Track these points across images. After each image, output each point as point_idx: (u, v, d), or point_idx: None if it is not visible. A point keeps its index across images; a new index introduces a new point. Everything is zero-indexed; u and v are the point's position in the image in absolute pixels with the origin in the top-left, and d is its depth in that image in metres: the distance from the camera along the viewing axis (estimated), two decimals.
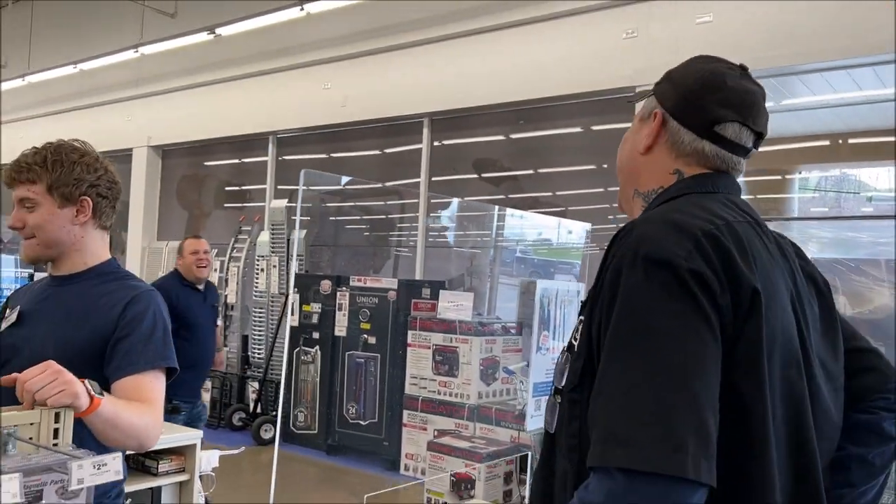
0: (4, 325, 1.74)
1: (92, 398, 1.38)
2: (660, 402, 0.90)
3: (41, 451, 1.27)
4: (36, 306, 1.74)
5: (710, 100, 1.15)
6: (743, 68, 1.21)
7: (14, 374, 1.33)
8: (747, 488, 0.96)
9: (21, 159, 1.71)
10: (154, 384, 1.65)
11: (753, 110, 1.16)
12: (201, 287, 4.37)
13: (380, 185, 7.84)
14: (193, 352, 4.02)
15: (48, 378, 1.31)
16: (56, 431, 1.31)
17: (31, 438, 1.25)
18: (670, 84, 1.20)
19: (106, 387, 1.56)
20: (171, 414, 3.80)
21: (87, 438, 1.44)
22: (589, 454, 0.93)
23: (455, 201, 7.32)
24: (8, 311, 1.79)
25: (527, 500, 2.72)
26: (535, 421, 1.96)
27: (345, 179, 7.77)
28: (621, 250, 1.01)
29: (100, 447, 1.42)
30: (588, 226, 5.75)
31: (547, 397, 1.96)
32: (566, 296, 1.97)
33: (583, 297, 2.06)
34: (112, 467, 1.10)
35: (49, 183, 1.69)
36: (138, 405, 1.58)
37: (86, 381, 1.39)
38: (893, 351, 4.42)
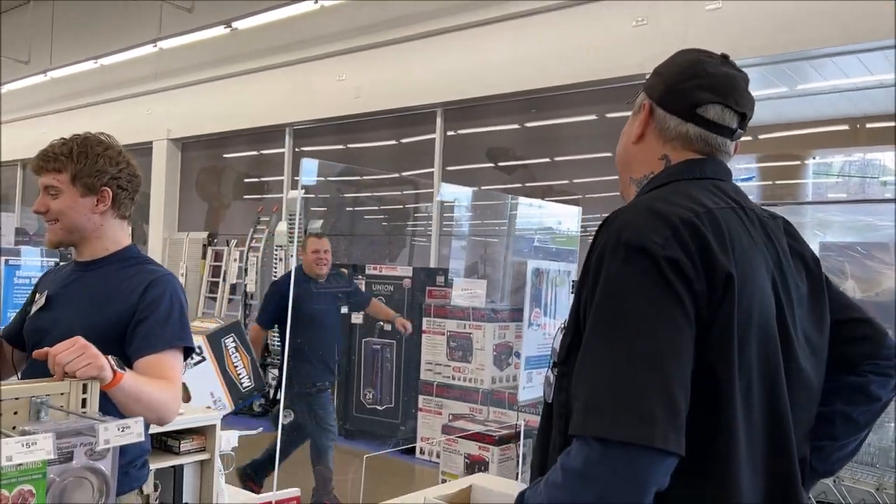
0: (34, 308, 1.86)
1: (115, 372, 1.49)
2: (634, 380, 0.98)
3: (71, 417, 1.39)
4: (62, 290, 1.86)
5: (691, 85, 1.22)
6: (724, 57, 1.28)
7: (46, 349, 1.46)
8: (716, 461, 1.05)
9: (49, 149, 1.82)
10: (172, 363, 1.76)
11: (734, 92, 1.22)
12: (322, 281, 4.68)
13: (395, 175, 7.94)
14: (318, 339, 4.53)
15: (77, 352, 1.43)
16: (84, 401, 1.43)
17: (61, 406, 1.37)
18: (658, 77, 1.28)
19: (128, 366, 1.66)
20: (319, 393, 4.57)
21: (112, 413, 1.55)
22: (570, 423, 1.02)
23: (454, 188, 7.39)
24: (37, 295, 1.91)
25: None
26: (527, 392, 2.06)
27: (339, 167, 7.88)
28: (605, 236, 1.08)
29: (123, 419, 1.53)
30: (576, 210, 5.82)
31: (540, 370, 2.05)
32: (557, 275, 2.06)
33: (573, 277, 2.14)
34: (134, 430, 1.21)
35: (73, 173, 1.80)
36: (158, 381, 1.69)
37: (110, 357, 1.50)
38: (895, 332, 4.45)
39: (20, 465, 1.11)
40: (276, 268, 7.95)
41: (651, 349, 0.99)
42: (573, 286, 2.24)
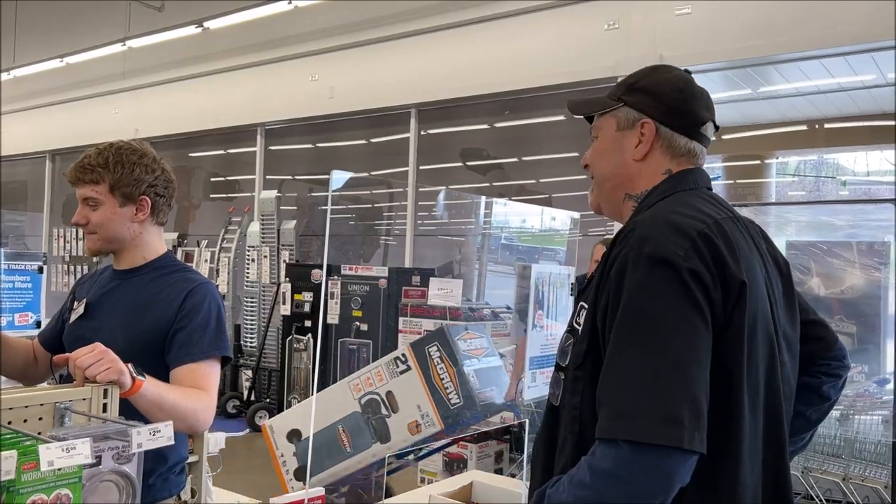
0: (73, 316, 1.86)
1: (134, 379, 1.51)
2: (660, 385, 1.05)
3: (93, 422, 1.42)
4: (101, 298, 1.86)
5: (696, 105, 1.33)
6: (687, 72, 1.39)
7: (66, 354, 1.48)
8: (725, 458, 1.14)
9: (85, 160, 1.83)
10: (208, 371, 1.76)
11: (713, 107, 1.36)
12: None
13: (367, 175, 7.97)
14: None
15: (96, 356, 1.45)
16: (105, 406, 1.46)
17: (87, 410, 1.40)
18: (648, 96, 1.32)
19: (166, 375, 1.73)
20: None
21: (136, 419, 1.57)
22: (598, 427, 1.09)
23: (442, 190, 7.45)
24: (75, 303, 1.91)
25: (526, 465, 2.89)
26: (532, 391, 2.13)
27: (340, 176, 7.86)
28: (625, 249, 1.15)
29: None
30: (576, 214, 5.92)
31: (542, 370, 2.13)
32: (557, 278, 2.15)
33: (572, 279, 2.22)
34: (165, 434, 1.25)
35: (111, 183, 1.81)
36: (186, 390, 1.70)
37: (129, 365, 1.51)
38: (860, 328, 4.64)
39: (59, 469, 1.15)
40: (248, 268, 7.93)
41: (676, 356, 1.06)
42: (573, 288, 2.32)
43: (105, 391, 1.45)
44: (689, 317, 1.08)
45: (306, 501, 1.53)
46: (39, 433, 1.31)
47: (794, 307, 1.35)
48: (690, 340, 1.07)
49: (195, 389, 1.71)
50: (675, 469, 1.04)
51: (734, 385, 1.13)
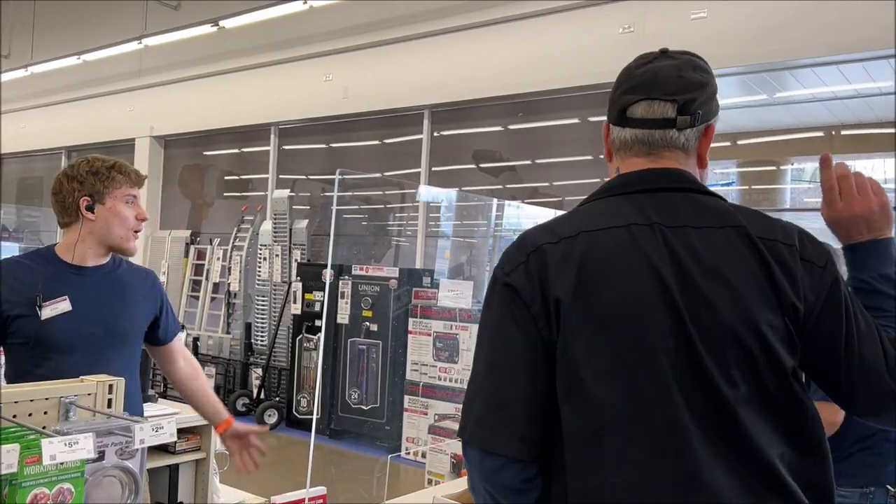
0: (52, 312, 1.96)
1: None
2: (479, 390, 1.14)
3: (97, 417, 1.42)
4: (90, 292, 2.07)
5: (620, 91, 1.24)
6: (663, 51, 1.25)
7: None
8: (560, 466, 1.11)
9: (134, 167, 2.19)
10: None
11: (660, 83, 1.19)
12: None
13: (380, 176, 7.98)
14: None
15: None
16: (109, 402, 1.47)
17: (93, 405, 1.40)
18: None
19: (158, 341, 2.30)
20: None
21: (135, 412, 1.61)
22: None
23: (438, 190, 7.45)
24: (39, 299, 1.97)
25: None
26: None
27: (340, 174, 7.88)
28: None
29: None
30: None
31: None
32: None
33: None
34: (168, 430, 1.25)
35: None
36: (202, 376, 2.50)
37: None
38: None
39: (61, 464, 1.15)
40: (260, 267, 7.95)
41: (492, 364, 1.13)
42: None
43: (110, 386, 1.45)
44: (504, 329, 1.13)
45: (307, 500, 1.53)
46: (44, 427, 1.32)
47: (765, 298, 1.13)
48: (505, 351, 1.13)
49: (196, 366, 2.46)
50: (485, 468, 1.11)
51: (575, 398, 1.11)
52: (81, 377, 1.51)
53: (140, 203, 2.16)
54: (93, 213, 2.06)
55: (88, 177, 2.06)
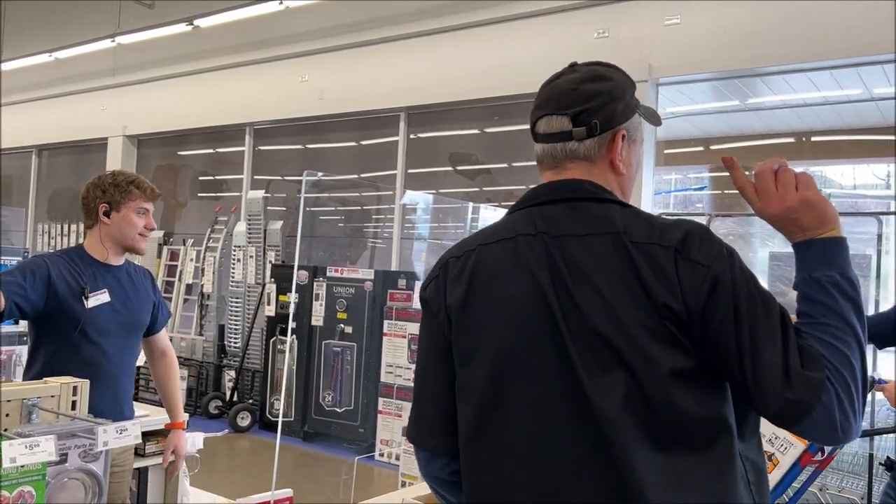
0: (96, 301, 2.39)
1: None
2: (413, 393, 1.32)
3: (61, 419, 1.41)
4: (117, 286, 2.49)
5: (532, 110, 1.29)
6: (571, 65, 1.30)
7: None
8: (464, 458, 1.24)
9: (151, 184, 2.57)
10: None
11: (557, 98, 1.24)
12: None
13: (356, 177, 7.96)
14: None
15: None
16: (73, 403, 1.45)
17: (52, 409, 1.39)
18: None
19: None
20: None
21: (106, 415, 1.62)
22: None
23: (419, 193, 7.45)
24: (86, 290, 2.41)
25: None
26: None
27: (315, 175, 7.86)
28: None
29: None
30: None
31: None
32: None
33: None
34: (132, 432, 1.24)
35: None
36: (175, 378, 2.81)
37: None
38: None
39: (22, 466, 1.13)
40: (233, 268, 7.89)
41: (416, 368, 1.32)
42: None
43: (74, 388, 1.44)
44: (422, 338, 1.32)
45: (272, 502, 1.52)
46: (6, 430, 1.30)
47: (636, 328, 1.12)
48: (423, 357, 1.31)
49: (175, 370, 2.80)
50: (423, 462, 1.30)
51: (461, 396, 1.24)
52: (55, 380, 1.49)
53: (150, 216, 2.55)
54: (109, 218, 2.48)
55: (110, 187, 2.48)
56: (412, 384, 1.37)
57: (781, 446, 2.15)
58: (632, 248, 1.12)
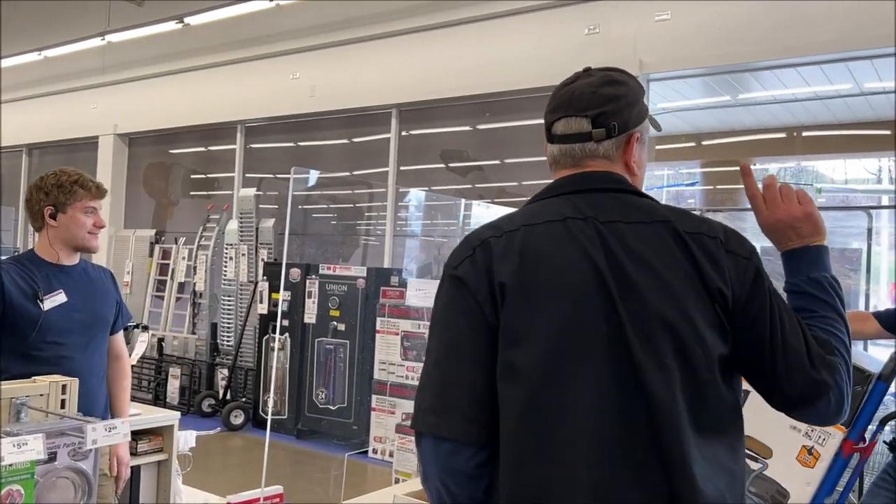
0: (51, 304, 2.36)
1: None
2: (428, 380, 1.20)
3: (50, 418, 1.40)
4: (74, 285, 2.45)
5: (546, 111, 1.35)
6: (586, 70, 1.35)
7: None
8: (507, 441, 1.16)
9: (97, 182, 2.51)
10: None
11: (574, 101, 1.29)
12: None
13: (348, 175, 7.95)
14: None
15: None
16: (63, 402, 1.45)
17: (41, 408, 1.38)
18: None
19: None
20: None
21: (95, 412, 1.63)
22: None
23: (414, 191, 7.46)
24: (41, 293, 2.38)
25: None
26: None
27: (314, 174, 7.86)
28: None
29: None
30: None
31: None
32: None
33: None
34: (121, 430, 1.24)
35: None
36: (125, 387, 2.72)
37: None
38: None
39: (10, 465, 1.13)
40: (226, 266, 7.88)
41: (440, 353, 1.20)
42: None
43: (63, 387, 1.43)
44: (451, 319, 1.20)
45: (262, 500, 1.52)
46: None
47: (694, 312, 1.17)
48: (451, 340, 1.19)
49: (125, 377, 2.72)
50: (438, 454, 1.16)
51: (510, 377, 1.16)
52: (43, 378, 1.49)
53: (100, 213, 2.50)
54: (55, 220, 2.43)
55: (53, 189, 2.42)
56: (422, 373, 1.23)
57: (820, 437, 2.12)
58: (685, 236, 1.19)
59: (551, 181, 1.33)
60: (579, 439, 1.12)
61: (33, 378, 1.43)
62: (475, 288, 1.19)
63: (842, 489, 2.31)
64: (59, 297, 2.39)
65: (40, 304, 2.34)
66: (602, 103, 1.28)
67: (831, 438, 2.09)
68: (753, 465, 2.16)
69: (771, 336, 1.17)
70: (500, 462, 1.15)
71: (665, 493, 1.10)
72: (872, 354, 4.21)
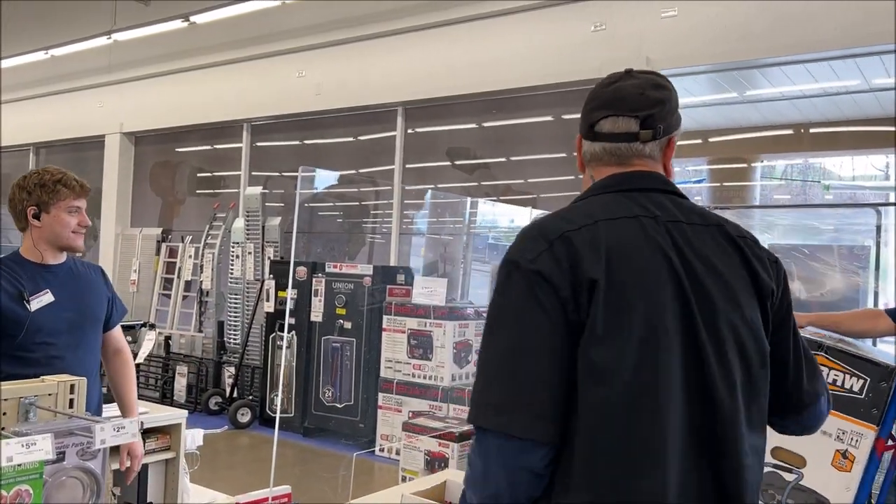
0: (37, 305, 2.34)
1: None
2: (498, 376, 1.14)
3: (58, 417, 1.40)
4: (61, 285, 2.42)
5: (589, 108, 1.35)
6: (627, 72, 1.36)
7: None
8: (572, 443, 1.13)
9: (81, 181, 2.46)
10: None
11: (624, 100, 1.30)
12: None
13: (353, 173, 7.95)
14: None
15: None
16: (71, 402, 1.45)
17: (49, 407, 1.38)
18: None
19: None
20: None
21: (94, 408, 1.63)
22: None
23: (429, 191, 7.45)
24: (27, 294, 2.36)
25: None
26: None
27: (330, 175, 7.87)
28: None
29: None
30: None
31: None
32: None
33: None
34: (129, 430, 1.24)
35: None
36: (131, 381, 2.70)
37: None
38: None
39: (19, 465, 1.13)
40: (232, 265, 7.89)
41: (513, 349, 1.14)
42: None
43: (72, 386, 1.43)
44: (529, 314, 1.14)
45: (270, 500, 1.52)
46: (2, 428, 1.30)
47: (752, 314, 1.25)
48: (529, 336, 1.14)
49: (129, 369, 2.70)
50: (509, 454, 1.11)
51: (581, 378, 1.13)
52: (43, 378, 1.49)
53: (84, 212, 2.47)
54: (39, 220, 2.39)
55: (36, 188, 2.38)
56: (485, 367, 1.16)
57: (852, 440, 2.10)
58: (738, 240, 1.27)
59: (607, 176, 1.32)
60: (666, 441, 1.13)
61: (41, 378, 1.43)
62: (559, 283, 1.15)
63: (878, 492, 2.26)
64: (46, 297, 2.36)
65: (27, 305, 2.31)
66: (650, 105, 1.30)
67: (864, 439, 2.06)
68: (788, 477, 2.11)
69: (793, 336, 1.27)
70: (577, 462, 1.12)
71: (721, 492, 1.16)
72: (882, 349, 4.19)
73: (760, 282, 1.24)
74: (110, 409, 2.88)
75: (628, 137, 1.30)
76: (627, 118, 1.30)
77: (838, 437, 2.10)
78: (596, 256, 1.16)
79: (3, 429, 1.29)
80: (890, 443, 2.16)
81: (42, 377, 1.43)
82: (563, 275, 1.15)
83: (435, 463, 4.60)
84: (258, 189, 7.82)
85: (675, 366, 1.16)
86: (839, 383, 2.20)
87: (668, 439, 1.13)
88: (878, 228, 4.65)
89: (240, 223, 7.88)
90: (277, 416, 2.33)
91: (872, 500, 2.21)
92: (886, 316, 2.57)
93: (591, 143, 1.34)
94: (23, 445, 1.11)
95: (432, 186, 7.48)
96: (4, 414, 1.35)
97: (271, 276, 7.10)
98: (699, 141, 7.87)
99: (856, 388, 2.14)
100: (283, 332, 6.88)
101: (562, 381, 1.13)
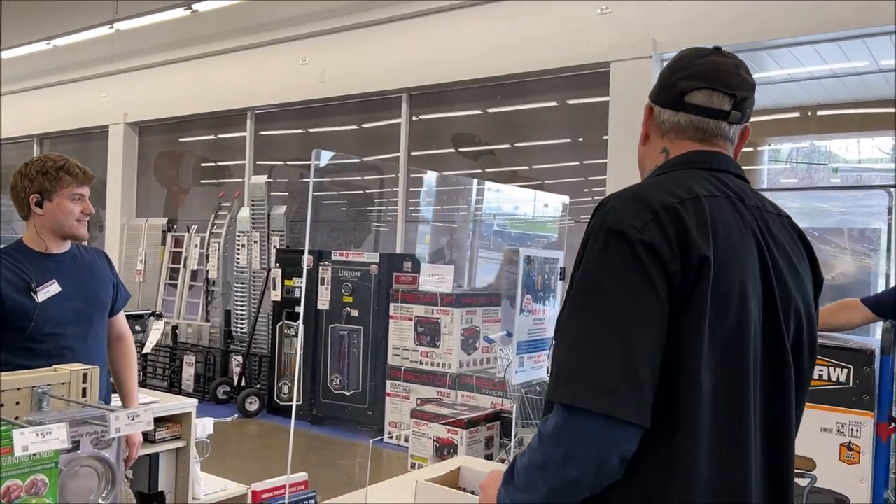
0: (46, 295, 2.30)
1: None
2: (601, 353, 1.05)
3: (72, 406, 1.39)
4: (66, 274, 2.38)
5: (678, 76, 1.27)
6: (716, 48, 1.31)
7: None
8: (674, 436, 1.09)
9: (84, 167, 2.41)
10: None
11: (721, 76, 1.25)
12: None
13: (358, 160, 7.92)
14: None
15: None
16: (84, 391, 1.43)
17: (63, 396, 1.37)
18: (657, 81, 1.35)
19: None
20: None
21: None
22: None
23: (433, 175, 7.42)
24: (32, 284, 2.30)
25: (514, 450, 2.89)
26: (520, 376, 2.11)
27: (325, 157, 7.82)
28: (594, 220, 1.15)
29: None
30: (566, 199, 5.91)
31: (531, 355, 2.12)
32: (546, 263, 2.12)
33: (562, 264, 2.20)
34: (144, 419, 1.23)
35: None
36: (132, 370, 2.68)
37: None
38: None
39: (34, 454, 1.12)
40: (238, 254, 7.88)
41: (620, 326, 1.05)
42: (562, 273, 2.29)
43: (84, 375, 1.42)
44: (638, 288, 1.07)
45: (287, 487, 1.51)
46: (16, 418, 1.28)
47: (812, 304, 1.31)
48: (637, 311, 1.06)
49: (131, 356, 2.67)
50: (608, 437, 1.03)
51: (688, 359, 1.08)
52: (55, 368, 1.48)
53: (87, 200, 2.41)
54: (42, 208, 2.34)
55: (38, 176, 2.33)
56: (584, 340, 1.07)
57: (853, 430, 2.08)
58: (802, 231, 1.31)
59: (688, 152, 1.27)
60: (750, 427, 1.15)
61: (54, 367, 1.42)
62: (668, 257, 1.07)
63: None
64: (53, 288, 2.32)
65: (34, 296, 2.27)
66: (747, 88, 1.27)
67: (863, 427, 2.05)
68: (802, 482, 2.10)
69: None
70: (682, 446, 1.08)
71: (778, 480, 1.20)
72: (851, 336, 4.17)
73: (818, 278, 1.30)
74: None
75: (718, 114, 1.25)
76: (722, 94, 1.25)
77: (839, 430, 2.09)
78: (705, 233, 1.11)
79: (16, 418, 1.28)
80: (893, 425, 2.13)
81: (54, 367, 1.42)
82: (671, 248, 1.08)
83: (444, 449, 4.61)
84: (263, 178, 7.80)
85: (758, 353, 1.16)
86: (825, 377, 2.20)
87: (751, 427, 1.15)
88: (890, 210, 4.60)
89: (245, 212, 7.87)
90: (294, 403, 2.31)
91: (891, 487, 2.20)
92: (862, 305, 2.49)
93: (674, 112, 1.27)
94: (38, 435, 1.10)
95: (437, 173, 7.44)
96: (17, 403, 1.34)
97: (277, 264, 7.10)
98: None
99: (842, 378, 2.14)
100: (290, 320, 6.88)
101: (660, 359, 1.07)
